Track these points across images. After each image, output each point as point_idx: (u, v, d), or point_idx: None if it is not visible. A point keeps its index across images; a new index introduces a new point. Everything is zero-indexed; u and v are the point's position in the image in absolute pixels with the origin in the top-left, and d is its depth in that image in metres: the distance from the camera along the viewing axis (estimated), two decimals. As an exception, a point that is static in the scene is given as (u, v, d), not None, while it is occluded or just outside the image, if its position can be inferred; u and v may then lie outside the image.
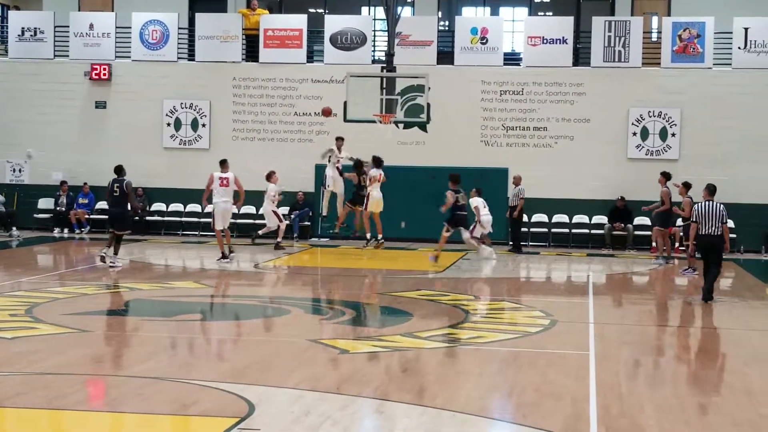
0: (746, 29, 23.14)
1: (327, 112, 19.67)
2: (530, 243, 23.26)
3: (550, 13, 28.68)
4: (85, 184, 24.70)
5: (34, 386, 8.24)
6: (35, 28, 25.30)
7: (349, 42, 24.27)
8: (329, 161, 20.70)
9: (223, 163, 19.03)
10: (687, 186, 18.57)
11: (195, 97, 24.72)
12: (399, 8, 20.79)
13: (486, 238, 20.47)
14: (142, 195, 24.06)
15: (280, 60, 24.47)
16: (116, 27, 25.15)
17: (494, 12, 28.14)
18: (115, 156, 24.48)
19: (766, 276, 19.50)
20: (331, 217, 21.05)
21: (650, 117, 23.38)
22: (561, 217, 23.60)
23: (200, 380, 8.55)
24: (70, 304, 13.01)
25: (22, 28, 25.37)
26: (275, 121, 24.51)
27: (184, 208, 24.51)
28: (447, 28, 27.18)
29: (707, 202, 14.40)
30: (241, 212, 23.60)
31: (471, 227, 19.95)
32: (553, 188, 23.39)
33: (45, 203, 25.07)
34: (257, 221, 23.73)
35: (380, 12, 23.99)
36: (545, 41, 23.76)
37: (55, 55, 25.34)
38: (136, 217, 21.44)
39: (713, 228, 14.22)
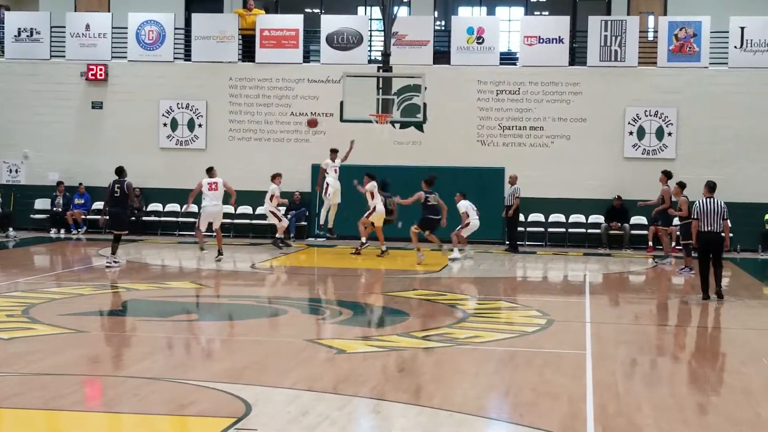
0: (742, 28, 23.18)
1: (312, 123, 19.69)
2: (527, 242, 23.28)
3: (546, 13, 28.69)
4: (81, 184, 24.69)
5: (30, 387, 8.23)
6: (31, 29, 25.28)
7: (345, 42, 24.26)
8: (326, 173, 20.76)
9: (210, 170, 19.35)
10: (681, 186, 18.59)
11: (191, 98, 24.70)
12: (395, 8, 20.80)
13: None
14: (139, 195, 24.04)
15: (277, 60, 24.46)
16: (112, 27, 25.13)
17: (490, 12, 28.14)
18: (111, 156, 24.51)
19: (763, 275, 19.54)
20: (326, 227, 21.22)
21: (647, 116, 23.40)
22: (557, 217, 23.62)
23: (197, 380, 8.55)
24: (67, 304, 12.99)
25: (19, 28, 25.34)
26: (272, 121, 24.50)
27: (181, 209, 24.48)
28: (443, 28, 27.20)
29: (708, 199, 14.43)
30: (237, 212, 23.63)
31: (459, 228, 20.01)
32: (549, 188, 23.41)
33: (41, 204, 25.05)
34: (254, 221, 23.76)
35: (376, 12, 23.98)
36: (541, 41, 23.77)
37: (51, 56, 25.32)
38: (132, 217, 21.39)
39: (714, 225, 14.27)
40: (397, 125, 22.49)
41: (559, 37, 23.76)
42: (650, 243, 22.10)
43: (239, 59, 24.91)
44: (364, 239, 19.80)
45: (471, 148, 23.73)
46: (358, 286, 16.26)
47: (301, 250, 21.88)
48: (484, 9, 28.34)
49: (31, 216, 24.89)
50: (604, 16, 24.92)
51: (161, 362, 9.60)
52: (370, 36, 25.08)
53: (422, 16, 25.54)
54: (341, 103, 19.62)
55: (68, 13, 25.87)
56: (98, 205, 24.56)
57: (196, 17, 25.36)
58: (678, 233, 19.09)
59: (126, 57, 25.05)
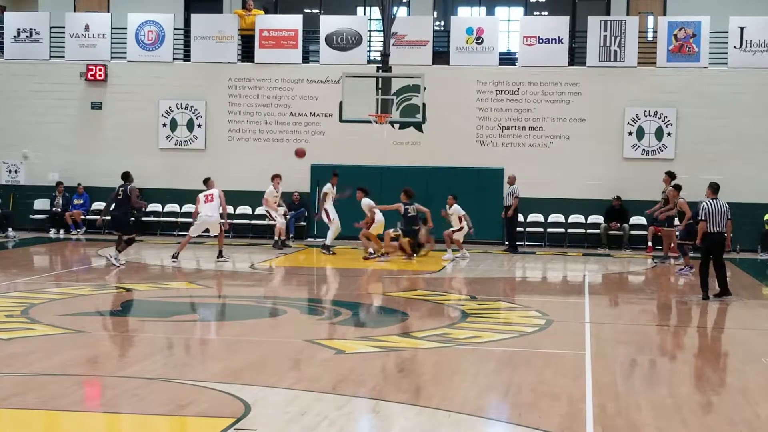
0: (742, 29, 23.18)
1: (300, 154, 19.65)
2: (526, 243, 23.28)
3: (546, 13, 28.70)
4: (79, 185, 24.68)
5: (30, 387, 8.23)
6: (31, 29, 25.28)
7: (344, 42, 24.26)
8: (325, 199, 20.66)
9: (206, 181, 19.35)
10: (678, 188, 18.58)
11: (191, 98, 24.70)
12: (394, 8, 20.79)
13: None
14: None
15: (276, 60, 24.46)
16: (112, 28, 25.13)
17: (490, 12, 28.15)
18: (111, 157, 24.58)
19: (763, 275, 19.54)
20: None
21: (646, 116, 23.40)
22: (557, 217, 23.62)
23: (196, 381, 8.55)
24: (66, 304, 12.99)
25: (18, 29, 25.34)
26: (271, 121, 24.50)
27: (180, 209, 24.49)
28: (442, 28, 27.20)
29: (713, 200, 14.53)
30: (237, 213, 23.65)
31: (451, 230, 20.01)
32: (548, 188, 23.41)
33: (41, 204, 25.04)
34: (253, 221, 23.75)
35: (375, 12, 23.97)
36: (541, 41, 23.77)
37: (50, 56, 25.31)
38: (132, 218, 21.35)
39: (720, 226, 14.43)
40: (397, 125, 22.48)
41: (559, 37, 23.77)
42: (650, 243, 22.12)
43: (238, 59, 24.91)
44: (371, 250, 19.68)
45: (470, 149, 23.72)
46: (358, 287, 16.25)
47: (301, 250, 21.88)
48: (483, 9, 28.35)
49: (31, 216, 24.89)
50: (604, 16, 24.91)
51: (160, 362, 9.59)
52: (370, 36, 25.08)
53: (421, 17, 25.54)
54: (340, 104, 19.61)
55: (67, 14, 25.87)
56: (97, 205, 24.62)
57: (195, 17, 25.35)
58: (677, 233, 19.06)
59: (125, 57, 25.05)
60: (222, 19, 25.34)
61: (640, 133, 23.40)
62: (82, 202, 24.65)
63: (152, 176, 24.42)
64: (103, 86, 24.97)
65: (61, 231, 24.29)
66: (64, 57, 25.17)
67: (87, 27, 25.10)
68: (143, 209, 18.52)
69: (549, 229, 23.59)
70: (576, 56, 24.46)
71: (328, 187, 20.76)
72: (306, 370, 9.22)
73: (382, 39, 21.01)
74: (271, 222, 21.74)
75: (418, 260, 19.35)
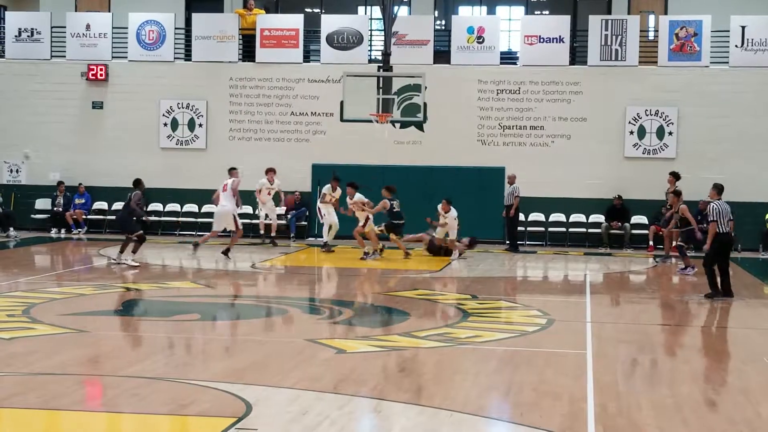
0: (743, 27, 23.16)
1: (289, 203, 19.71)
2: (527, 242, 23.27)
3: (547, 12, 28.69)
4: (81, 184, 24.68)
5: (31, 387, 8.23)
6: (32, 29, 25.28)
7: (345, 41, 24.26)
8: (322, 199, 20.77)
9: (231, 171, 19.59)
10: (678, 194, 18.53)
11: (192, 98, 24.70)
12: (395, 7, 20.78)
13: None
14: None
15: (277, 60, 24.46)
16: (113, 27, 25.13)
17: (491, 11, 28.14)
18: (112, 156, 24.61)
19: (764, 274, 19.53)
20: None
21: (647, 115, 23.39)
22: (558, 216, 23.61)
23: (197, 380, 8.55)
24: (68, 304, 13.00)
25: (19, 28, 25.34)
26: (272, 120, 24.50)
27: (181, 209, 24.50)
28: (443, 28, 27.20)
29: (720, 201, 14.61)
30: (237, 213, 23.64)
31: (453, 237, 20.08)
32: (549, 187, 23.40)
33: (42, 204, 25.04)
34: (254, 221, 23.68)
35: (377, 11, 23.96)
36: (542, 40, 23.76)
37: (51, 56, 25.31)
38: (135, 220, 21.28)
39: (727, 226, 14.52)
40: (398, 125, 22.48)
41: (560, 36, 23.75)
42: (651, 242, 22.12)
43: (239, 59, 24.91)
44: (366, 250, 19.66)
45: (471, 148, 23.72)
46: (359, 286, 16.25)
47: (302, 249, 21.88)
48: (484, 8, 28.35)
49: (32, 216, 24.89)
50: (605, 15, 24.89)
51: (162, 362, 9.60)
52: (371, 36, 25.07)
53: (422, 16, 25.54)
54: (341, 103, 19.61)
55: (68, 13, 25.88)
56: (98, 205, 24.70)
57: (196, 17, 25.36)
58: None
59: (126, 57, 25.05)
60: (223, 19, 25.34)
61: (642, 133, 23.39)
62: (83, 201, 24.65)
63: (153, 176, 24.35)
64: (104, 86, 24.97)
65: (62, 231, 24.29)
66: (65, 57, 25.17)
67: (88, 27, 25.10)
68: (142, 219, 18.59)
69: (550, 229, 23.58)
70: (577, 55, 24.45)
71: (327, 188, 20.82)
72: (307, 369, 9.21)
73: (383, 38, 21.00)
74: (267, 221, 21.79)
75: (419, 261, 19.34)
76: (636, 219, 23.12)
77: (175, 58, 25.05)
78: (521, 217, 22.49)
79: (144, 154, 24.58)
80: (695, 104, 23.22)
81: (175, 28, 25.12)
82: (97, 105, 25.06)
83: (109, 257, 17.83)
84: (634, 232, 23.01)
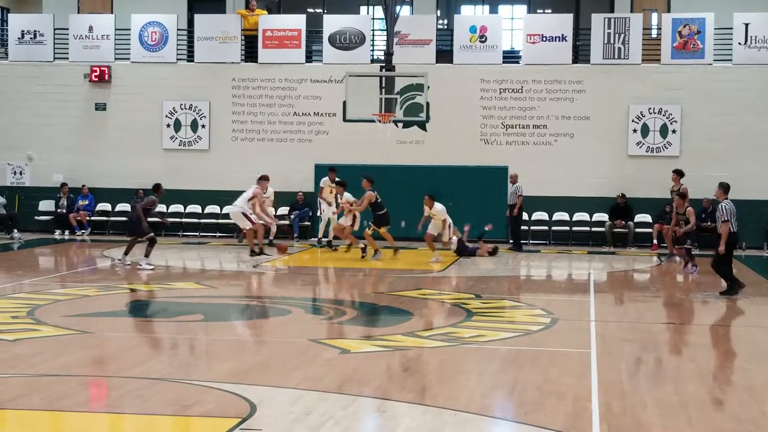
0: (746, 25, 23.13)
1: (282, 249, 19.80)
2: (531, 241, 23.25)
3: (549, 11, 28.65)
4: (84, 186, 24.70)
5: (35, 388, 8.23)
6: (35, 31, 25.31)
7: (347, 42, 24.25)
8: (321, 192, 20.96)
9: (259, 179, 19.95)
10: (683, 196, 18.46)
11: (194, 98, 24.71)
12: (398, 7, 20.79)
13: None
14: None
15: (279, 60, 24.47)
16: (115, 29, 25.15)
17: (493, 10, 28.12)
18: (115, 158, 24.64)
19: (768, 272, 19.49)
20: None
21: (650, 114, 23.36)
22: (561, 215, 23.59)
23: (201, 381, 8.54)
24: (72, 305, 13.01)
25: (22, 30, 25.38)
26: (274, 121, 24.51)
27: (184, 210, 24.51)
28: (446, 27, 27.20)
29: (728, 201, 14.70)
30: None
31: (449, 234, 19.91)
32: (553, 186, 23.38)
33: (46, 205, 25.07)
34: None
35: (379, 11, 23.97)
36: (544, 39, 23.74)
37: (54, 58, 25.34)
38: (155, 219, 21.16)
39: (734, 226, 14.64)
40: (400, 124, 22.47)
41: (563, 34, 23.73)
42: (654, 241, 22.08)
43: (242, 60, 24.92)
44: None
45: (474, 147, 23.70)
46: (362, 286, 16.24)
47: (305, 249, 21.88)
48: (486, 7, 28.33)
49: (36, 218, 24.91)
50: (608, 13, 24.89)
51: (165, 363, 9.60)
52: (373, 35, 25.06)
53: (425, 15, 25.54)
54: (344, 103, 19.62)
55: (71, 15, 25.90)
56: (102, 206, 24.72)
57: (198, 18, 25.37)
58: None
59: (129, 58, 25.07)
60: (225, 20, 25.35)
61: (645, 131, 23.36)
62: (87, 203, 24.67)
63: (156, 177, 24.20)
64: (107, 87, 24.99)
65: (66, 232, 24.32)
66: (68, 58, 25.19)
67: (91, 28, 25.12)
68: (158, 222, 18.73)
69: (554, 227, 23.56)
70: (580, 54, 24.42)
71: (324, 181, 20.89)
72: (311, 369, 9.21)
73: (385, 38, 21.00)
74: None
75: (420, 261, 19.33)
76: (640, 217, 23.10)
77: (177, 59, 25.07)
78: (525, 216, 22.48)
79: (147, 155, 24.59)
80: (699, 102, 23.20)
81: (178, 30, 25.14)
82: (100, 106, 25.07)
83: (139, 264, 17.70)
84: (637, 230, 22.99)
